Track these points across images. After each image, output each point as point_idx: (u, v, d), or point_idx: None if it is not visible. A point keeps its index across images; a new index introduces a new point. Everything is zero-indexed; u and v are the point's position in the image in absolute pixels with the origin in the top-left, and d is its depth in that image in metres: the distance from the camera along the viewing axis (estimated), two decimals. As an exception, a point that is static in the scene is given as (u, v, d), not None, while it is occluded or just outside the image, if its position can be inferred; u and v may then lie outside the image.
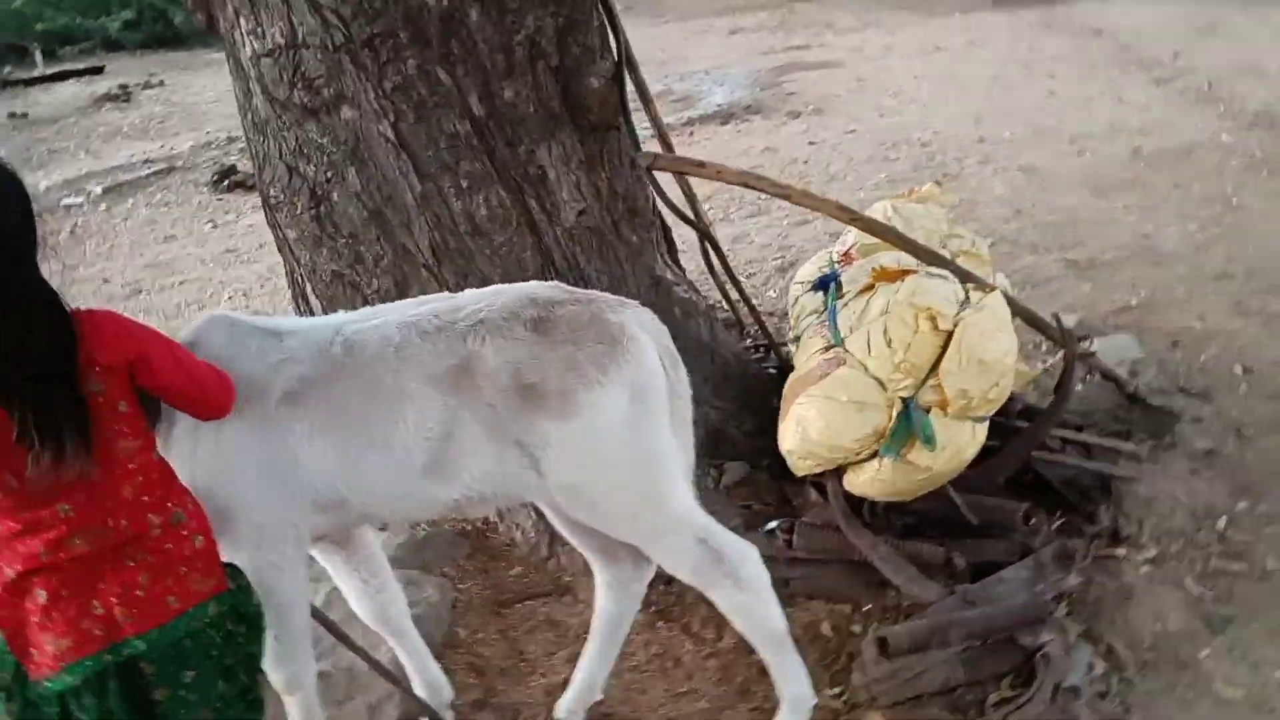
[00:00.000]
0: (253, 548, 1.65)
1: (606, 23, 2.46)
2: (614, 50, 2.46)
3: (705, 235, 2.59)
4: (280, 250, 2.58)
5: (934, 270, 2.36)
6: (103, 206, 6.00)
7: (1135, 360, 3.00)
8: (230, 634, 1.47)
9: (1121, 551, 2.24)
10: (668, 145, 2.82)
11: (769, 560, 1.87)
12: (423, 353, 1.65)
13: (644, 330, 1.74)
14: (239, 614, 1.49)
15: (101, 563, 1.36)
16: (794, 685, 1.85)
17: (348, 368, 1.66)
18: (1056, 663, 1.93)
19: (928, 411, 2.12)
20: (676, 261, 2.79)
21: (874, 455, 2.17)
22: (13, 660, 1.39)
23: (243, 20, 2.30)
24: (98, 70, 10.18)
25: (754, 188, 2.43)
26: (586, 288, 2.40)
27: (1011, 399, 2.42)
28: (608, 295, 1.80)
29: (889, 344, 2.14)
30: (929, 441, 2.08)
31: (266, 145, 2.40)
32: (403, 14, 2.19)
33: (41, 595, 1.35)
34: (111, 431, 1.35)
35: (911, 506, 2.28)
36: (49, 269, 1.34)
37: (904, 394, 2.13)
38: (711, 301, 2.89)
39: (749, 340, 3.02)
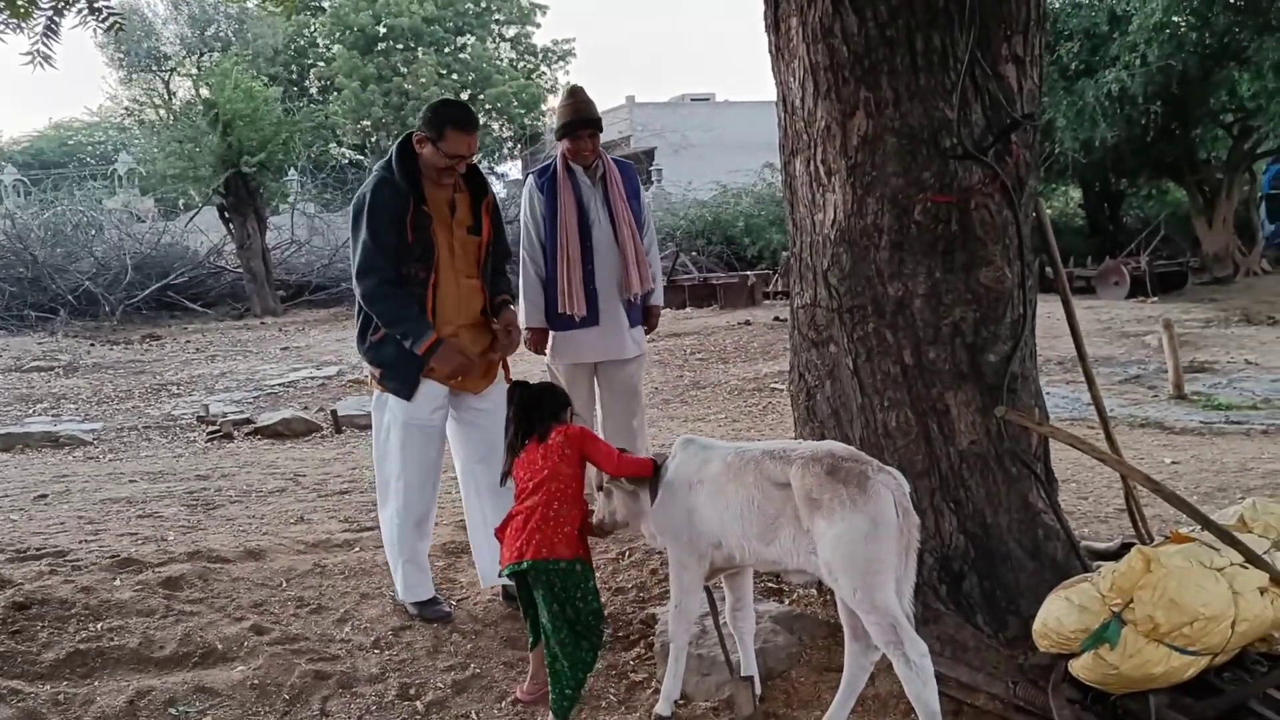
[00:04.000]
0: (677, 550, 3.17)
1: (1024, 316, 3.58)
2: (1019, 334, 3.55)
3: (1031, 471, 3.51)
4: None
5: (1211, 540, 3.05)
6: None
7: None
8: (566, 590, 3.10)
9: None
10: (1104, 420, 3.83)
11: (1002, 702, 2.85)
12: (770, 469, 3.02)
13: (888, 488, 2.87)
14: (576, 585, 3.11)
15: (529, 520, 3.08)
16: None
17: (732, 470, 3.10)
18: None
19: (1124, 624, 2.86)
20: (1053, 498, 3.68)
21: (1087, 648, 2.95)
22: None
23: (795, 286, 3.91)
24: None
25: (1078, 448, 3.32)
26: (966, 494, 3.55)
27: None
28: (877, 462, 2.96)
29: (1115, 570, 2.94)
30: (1108, 643, 2.83)
31: (795, 359, 3.96)
32: (871, 297, 3.59)
33: (511, 526, 3.13)
34: (560, 458, 3.10)
35: (1122, 704, 2.96)
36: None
37: (1115, 608, 2.90)
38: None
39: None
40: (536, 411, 3.30)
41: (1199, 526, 3.15)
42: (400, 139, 3.94)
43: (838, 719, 3.09)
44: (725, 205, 23.44)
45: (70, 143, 35.85)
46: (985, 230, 3.50)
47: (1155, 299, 16.20)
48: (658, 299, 5.18)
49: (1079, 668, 2.97)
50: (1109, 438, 3.93)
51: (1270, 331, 12.57)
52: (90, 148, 34.70)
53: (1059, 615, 3.00)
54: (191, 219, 22.80)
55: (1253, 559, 3.00)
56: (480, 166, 4.51)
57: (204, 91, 21.75)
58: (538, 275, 4.92)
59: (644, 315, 5.13)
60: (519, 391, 3.35)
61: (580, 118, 4.85)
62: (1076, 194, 24.78)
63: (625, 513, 3.31)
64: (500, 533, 3.25)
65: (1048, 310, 4.39)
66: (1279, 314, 13.92)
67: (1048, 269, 4.09)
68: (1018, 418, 3.42)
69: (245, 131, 19.81)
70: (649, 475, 3.23)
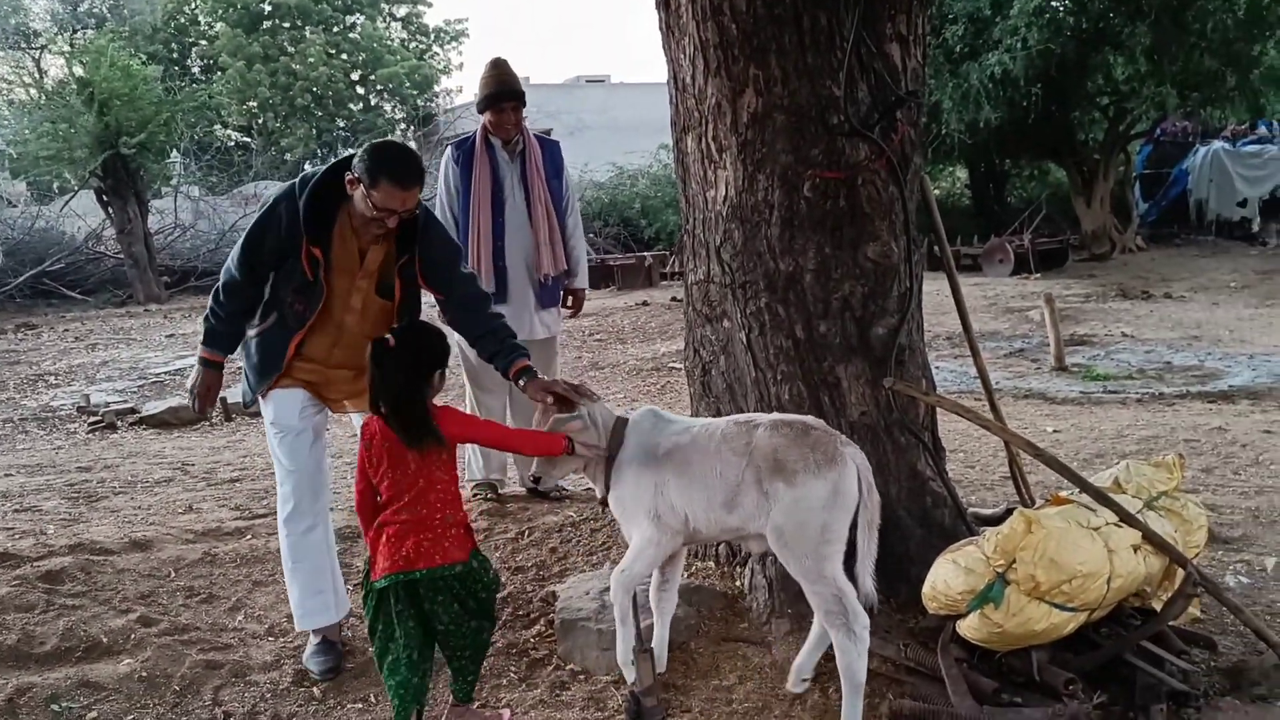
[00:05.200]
0: (640, 527, 3.15)
1: (910, 290, 3.66)
2: (906, 308, 3.64)
3: (919, 440, 3.62)
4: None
5: (1088, 501, 3.18)
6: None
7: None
8: (467, 587, 2.97)
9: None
10: (989, 391, 3.95)
11: (894, 664, 2.93)
12: (734, 435, 3.06)
13: (854, 461, 2.95)
14: (477, 580, 3.00)
15: (411, 527, 2.92)
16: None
17: (697, 442, 3.12)
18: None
19: (1007, 584, 2.96)
20: (940, 466, 3.79)
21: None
22: (367, 566, 3.02)
23: (689, 263, 3.94)
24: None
25: (964, 417, 3.43)
26: (858, 464, 3.61)
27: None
28: (844, 437, 3.05)
29: (999, 533, 3.04)
30: (993, 602, 2.93)
31: (690, 335, 3.99)
32: (763, 272, 3.63)
33: (385, 536, 2.95)
34: (436, 465, 2.95)
35: (1006, 661, 3.08)
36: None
37: (999, 569, 3.00)
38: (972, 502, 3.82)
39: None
40: (405, 378, 2.92)
41: (1077, 489, 3.27)
42: (333, 164, 3.38)
43: (806, 666, 3.18)
44: (622, 187, 23.41)
45: (-68, 123, 34.03)
46: (872, 206, 3.57)
47: (1038, 276, 16.73)
48: (581, 282, 5.18)
49: (966, 628, 3.07)
50: (994, 408, 4.05)
51: (1144, 306, 13.11)
52: (-46, 129, 33.00)
53: (946, 578, 3.09)
54: (67, 203, 21.78)
55: (1126, 518, 3.14)
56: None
57: (78, 70, 20.77)
58: None
59: (567, 298, 5.13)
60: (382, 353, 2.93)
61: (503, 89, 4.79)
62: (963, 175, 25.41)
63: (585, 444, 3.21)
64: (371, 538, 3.00)
65: (936, 288, 4.51)
66: (1153, 289, 14.52)
67: (936, 247, 4.19)
68: (905, 388, 3.51)
69: (123, 111, 18.96)
70: (557, 455, 3.16)
